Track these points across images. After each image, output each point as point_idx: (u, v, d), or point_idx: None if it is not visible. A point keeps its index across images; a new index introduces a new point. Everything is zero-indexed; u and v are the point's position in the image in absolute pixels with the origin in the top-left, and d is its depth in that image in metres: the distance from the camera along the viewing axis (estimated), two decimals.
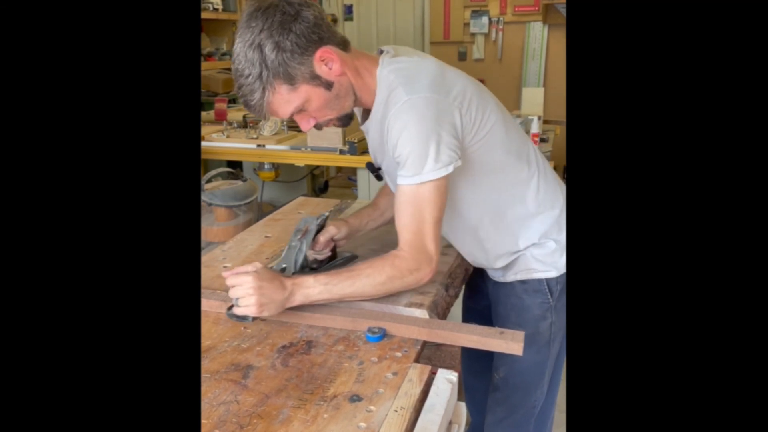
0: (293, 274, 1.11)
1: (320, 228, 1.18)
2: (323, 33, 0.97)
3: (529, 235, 1.14)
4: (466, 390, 1.57)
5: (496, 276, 1.22)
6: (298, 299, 0.99)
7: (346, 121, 1.08)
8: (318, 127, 1.07)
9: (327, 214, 1.21)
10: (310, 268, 1.17)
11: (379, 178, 1.21)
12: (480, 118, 1.03)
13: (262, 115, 1.00)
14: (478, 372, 1.46)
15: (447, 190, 1.00)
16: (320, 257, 1.20)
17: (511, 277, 1.18)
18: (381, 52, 1.08)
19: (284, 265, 1.12)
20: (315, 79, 0.98)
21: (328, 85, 1.00)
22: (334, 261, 1.22)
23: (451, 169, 0.97)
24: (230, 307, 0.99)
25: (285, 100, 0.98)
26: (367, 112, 1.10)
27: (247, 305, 0.96)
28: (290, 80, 0.96)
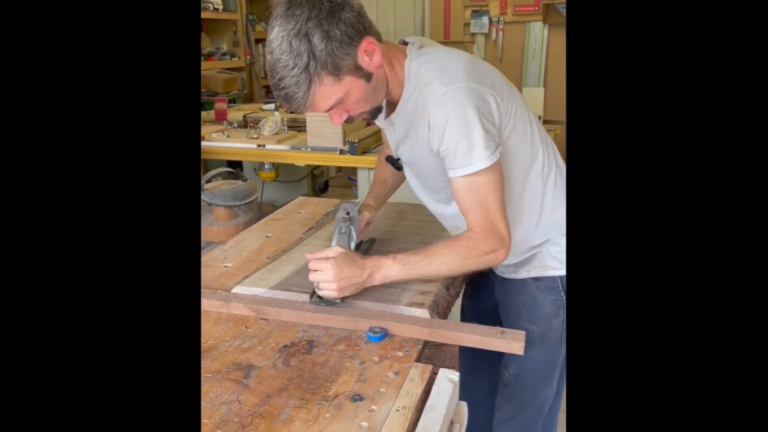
0: None
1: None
2: (366, 23, 0.96)
3: (545, 230, 1.14)
4: (464, 388, 1.57)
5: (507, 272, 1.22)
6: (378, 279, 1.03)
7: (376, 113, 1.07)
8: (349, 120, 1.05)
9: (358, 201, 1.26)
10: None
11: (399, 168, 1.22)
12: (511, 109, 1.03)
13: (305, 109, 0.97)
14: (477, 369, 1.46)
15: (501, 170, 1.01)
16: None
17: (523, 273, 1.18)
18: (404, 43, 1.07)
19: None
20: (358, 70, 0.96)
21: (368, 77, 0.98)
22: (362, 244, 1.27)
23: (498, 155, 0.98)
24: (312, 293, 1.05)
25: (328, 92, 0.95)
26: (391, 105, 1.09)
27: (329, 289, 1.00)
28: (336, 71, 0.93)
